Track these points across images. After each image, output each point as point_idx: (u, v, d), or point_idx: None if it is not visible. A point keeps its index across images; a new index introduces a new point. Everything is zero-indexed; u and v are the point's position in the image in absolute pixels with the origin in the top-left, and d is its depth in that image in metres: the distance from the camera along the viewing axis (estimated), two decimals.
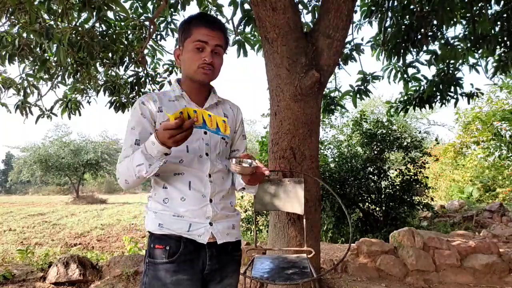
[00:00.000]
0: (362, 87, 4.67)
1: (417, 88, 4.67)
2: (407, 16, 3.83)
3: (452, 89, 4.40)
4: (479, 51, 4.14)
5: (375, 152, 6.07)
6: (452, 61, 4.21)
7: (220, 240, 1.27)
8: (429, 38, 3.89)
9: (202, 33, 1.25)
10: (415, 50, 4.09)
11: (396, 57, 4.05)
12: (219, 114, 1.37)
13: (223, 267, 1.31)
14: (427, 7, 3.50)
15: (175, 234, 1.22)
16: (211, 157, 1.30)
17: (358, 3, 4.12)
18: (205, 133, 1.31)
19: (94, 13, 3.15)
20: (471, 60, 4.40)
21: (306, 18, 6.93)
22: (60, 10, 3.11)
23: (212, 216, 1.26)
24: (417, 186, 5.95)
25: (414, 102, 4.71)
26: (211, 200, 1.27)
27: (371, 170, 6.07)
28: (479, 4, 3.66)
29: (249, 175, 1.24)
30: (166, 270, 1.20)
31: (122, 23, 4.12)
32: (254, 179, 1.26)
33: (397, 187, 5.98)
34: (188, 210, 1.24)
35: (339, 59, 3.93)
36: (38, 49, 3.65)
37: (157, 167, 1.14)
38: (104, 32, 3.73)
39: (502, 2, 3.70)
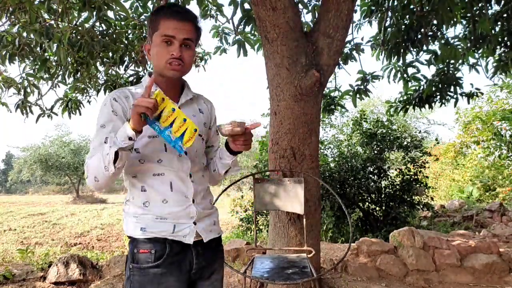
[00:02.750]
0: (362, 87, 4.67)
1: (417, 87, 4.67)
2: (407, 16, 3.83)
3: (452, 88, 4.40)
4: (479, 51, 4.14)
5: (375, 151, 6.07)
6: (452, 61, 4.21)
7: (206, 238, 1.27)
8: (429, 38, 3.89)
9: (170, 26, 1.18)
10: (415, 49, 4.09)
11: (396, 56, 4.05)
12: (194, 110, 1.34)
13: (210, 263, 1.31)
14: (427, 7, 3.50)
15: (159, 237, 1.19)
16: (191, 155, 1.27)
17: (358, 2, 4.11)
18: None
19: (94, 13, 3.14)
20: (471, 60, 4.40)
21: (306, 18, 6.93)
22: (60, 10, 3.11)
23: (196, 216, 1.25)
24: (417, 185, 5.95)
25: (413, 102, 4.71)
26: (193, 201, 1.26)
27: (371, 169, 6.07)
28: (479, 4, 3.66)
29: (241, 137, 1.22)
30: (154, 274, 1.17)
31: (122, 23, 4.12)
32: (246, 140, 1.24)
33: (397, 187, 5.98)
34: (171, 213, 1.21)
35: (339, 59, 3.93)
36: (38, 49, 3.65)
37: (115, 149, 1.05)
38: (104, 32, 3.73)
39: (502, 2, 3.70)
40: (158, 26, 1.19)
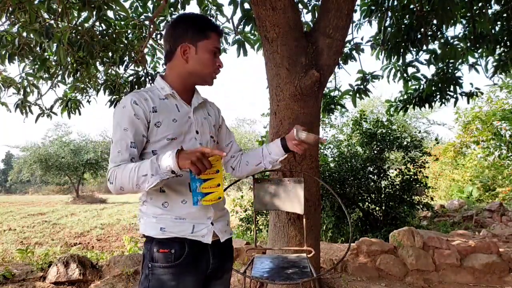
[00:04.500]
0: (362, 87, 4.67)
1: (417, 87, 4.67)
2: (407, 16, 3.83)
3: (452, 88, 4.40)
4: (479, 51, 4.14)
5: (375, 151, 6.07)
6: (451, 61, 4.21)
7: (222, 238, 1.31)
8: (429, 38, 3.89)
9: (218, 39, 1.30)
10: (414, 49, 4.09)
11: (395, 56, 4.05)
12: (204, 114, 1.39)
13: (224, 263, 1.36)
14: (427, 7, 3.50)
15: (179, 236, 1.21)
16: None
17: (358, 2, 4.12)
18: (197, 132, 1.32)
19: (94, 13, 3.14)
20: (471, 60, 4.40)
21: (306, 17, 6.92)
22: (60, 10, 3.10)
23: (213, 216, 1.28)
24: (417, 185, 5.95)
25: (413, 101, 4.71)
26: None
27: (371, 169, 6.07)
28: (479, 4, 3.66)
29: (307, 145, 1.38)
30: (173, 273, 1.20)
31: (122, 23, 4.12)
32: (306, 149, 1.41)
33: (397, 187, 5.98)
34: (190, 213, 1.24)
35: (339, 59, 3.92)
36: (38, 48, 3.65)
37: (157, 180, 1.11)
38: (104, 32, 3.73)
39: (502, 2, 3.70)
40: (208, 35, 1.27)
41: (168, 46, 1.31)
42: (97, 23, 3.59)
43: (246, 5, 3.82)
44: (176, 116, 1.26)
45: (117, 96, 4.72)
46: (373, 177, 6.02)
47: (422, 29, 3.77)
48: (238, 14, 3.83)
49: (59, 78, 4.25)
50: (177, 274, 1.20)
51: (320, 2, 3.34)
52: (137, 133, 1.20)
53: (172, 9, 4.27)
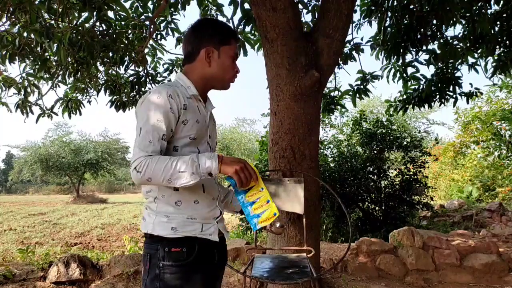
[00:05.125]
0: (362, 87, 4.68)
1: (416, 87, 4.68)
2: (407, 16, 3.83)
3: (451, 88, 4.41)
4: (479, 51, 4.14)
5: (375, 151, 6.08)
6: (451, 61, 4.21)
7: (226, 237, 1.36)
8: (429, 38, 3.90)
9: (237, 46, 1.36)
10: (414, 49, 4.10)
11: (395, 56, 4.06)
12: (213, 120, 1.43)
13: (223, 261, 1.40)
14: (426, 7, 3.50)
15: (190, 236, 1.23)
16: None
17: (357, 2, 4.12)
18: (209, 136, 1.36)
19: (95, 13, 3.15)
20: (470, 60, 4.41)
21: (306, 18, 6.92)
22: (60, 10, 3.11)
23: (219, 217, 1.33)
24: (417, 185, 5.95)
25: (413, 101, 4.71)
26: (218, 203, 1.34)
27: (371, 169, 6.07)
28: (479, 4, 3.66)
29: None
30: (185, 271, 1.22)
31: (123, 23, 4.12)
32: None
33: (397, 187, 5.98)
34: (201, 213, 1.26)
35: (339, 59, 3.93)
36: (38, 49, 3.65)
37: (197, 180, 1.14)
38: (105, 32, 3.74)
39: (501, 2, 3.71)
40: (230, 41, 1.32)
41: (190, 48, 1.33)
42: (98, 23, 3.59)
43: (246, 5, 3.83)
44: (198, 118, 1.28)
45: (118, 96, 4.73)
46: (373, 177, 6.02)
47: (422, 29, 3.77)
48: (238, 14, 3.84)
49: (60, 78, 4.26)
50: (189, 272, 1.23)
51: (320, 2, 3.35)
52: (169, 126, 1.20)
53: (172, 9, 4.27)
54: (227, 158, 1.17)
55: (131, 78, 4.69)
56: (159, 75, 5.16)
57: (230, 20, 4.28)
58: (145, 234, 1.28)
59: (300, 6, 4.13)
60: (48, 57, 3.87)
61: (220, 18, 4.54)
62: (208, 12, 4.40)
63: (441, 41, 3.95)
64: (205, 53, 1.29)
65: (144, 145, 1.16)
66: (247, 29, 4.24)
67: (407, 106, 4.86)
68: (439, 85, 4.37)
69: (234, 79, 1.36)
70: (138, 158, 1.14)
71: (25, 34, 3.39)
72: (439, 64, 4.28)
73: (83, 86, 4.68)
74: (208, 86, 1.35)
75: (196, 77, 1.32)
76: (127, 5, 3.97)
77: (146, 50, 4.57)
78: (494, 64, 4.19)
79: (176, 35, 4.82)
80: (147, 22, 4.17)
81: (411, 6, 3.69)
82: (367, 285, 3.50)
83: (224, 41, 1.31)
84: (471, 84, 4.69)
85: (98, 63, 4.09)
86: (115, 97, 4.72)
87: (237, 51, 1.35)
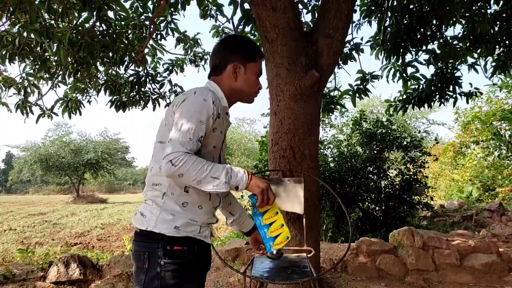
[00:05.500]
0: (361, 87, 4.68)
1: (416, 87, 4.68)
2: (407, 16, 3.83)
3: (451, 88, 4.41)
4: (478, 51, 4.14)
5: (375, 151, 6.08)
6: (451, 61, 4.21)
7: (213, 240, 1.41)
8: (428, 38, 3.90)
9: (261, 64, 1.45)
10: (414, 49, 4.09)
11: (395, 56, 4.06)
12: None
13: (209, 263, 1.49)
14: (426, 7, 3.50)
15: (190, 236, 1.27)
16: None
17: (357, 2, 4.12)
18: (221, 149, 1.40)
19: (95, 13, 3.15)
20: (470, 60, 4.41)
21: (306, 18, 6.93)
22: (60, 10, 3.11)
23: (214, 224, 1.41)
24: (417, 185, 5.95)
25: (413, 101, 4.71)
26: (215, 210, 1.42)
27: (371, 169, 6.07)
28: (479, 4, 3.66)
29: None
30: (185, 269, 1.26)
31: (123, 23, 4.12)
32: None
33: (397, 187, 5.98)
34: (201, 218, 1.31)
35: (339, 59, 3.93)
36: (38, 49, 3.65)
37: (226, 190, 1.20)
38: (105, 32, 3.73)
39: (501, 2, 3.71)
40: (255, 59, 1.41)
41: (218, 61, 1.39)
42: (98, 24, 3.59)
43: (246, 5, 3.83)
44: (222, 129, 1.35)
45: (118, 96, 4.73)
46: (373, 177, 6.02)
47: (422, 29, 3.77)
48: (238, 14, 3.84)
49: (60, 78, 4.26)
50: (189, 271, 1.27)
51: (320, 2, 3.35)
52: (207, 131, 1.25)
53: (172, 9, 4.27)
54: (256, 177, 1.25)
55: (131, 78, 4.69)
56: (159, 75, 5.16)
57: (230, 20, 4.28)
58: (141, 231, 1.28)
59: (300, 6, 4.13)
60: (48, 57, 3.87)
61: (220, 18, 4.55)
62: (208, 12, 4.40)
63: (441, 41, 3.94)
64: (233, 68, 1.36)
65: (185, 141, 1.17)
66: (247, 29, 4.24)
67: (407, 106, 4.86)
68: (439, 85, 4.37)
69: (257, 94, 1.45)
70: (177, 151, 1.15)
71: (25, 34, 3.38)
72: (439, 64, 4.28)
73: (83, 86, 4.68)
74: (234, 99, 1.42)
75: (228, 90, 1.38)
76: (127, 5, 3.97)
77: (146, 50, 4.57)
78: (493, 64, 4.19)
79: (176, 35, 4.82)
80: (147, 22, 4.17)
81: (411, 6, 3.68)
82: (367, 285, 3.50)
83: (250, 58, 1.39)
84: (471, 84, 4.69)
85: (98, 63, 4.08)
86: (115, 97, 4.72)
87: (261, 68, 1.43)
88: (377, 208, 6.05)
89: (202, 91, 1.25)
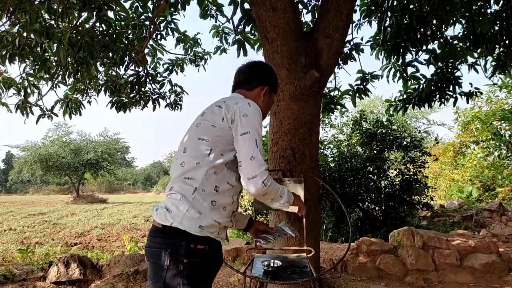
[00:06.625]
0: (362, 86, 4.67)
1: (416, 87, 4.68)
2: (407, 16, 3.83)
3: (451, 88, 4.41)
4: (478, 51, 4.14)
5: (375, 151, 6.07)
6: (451, 61, 4.21)
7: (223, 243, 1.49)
8: (429, 38, 3.90)
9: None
10: (414, 49, 4.09)
11: (395, 56, 4.06)
12: None
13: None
14: (426, 7, 3.50)
15: (210, 236, 1.31)
16: None
17: (357, 2, 4.12)
18: None
19: (94, 13, 3.14)
20: (470, 60, 4.40)
21: (306, 18, 6.94)
22: (60, 10, 3.11)
23: (230, 227, 1.50)
24: (417, 185, 5.95)
25: (413, 101, 4.71)
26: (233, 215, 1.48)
27: (371, 169, 6.07)
28: (479, 4, 3.66)
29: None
30: (205, 269, 1.31)
31: (123, 23, 4.12)
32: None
33: (397, 187, 5.98)
34: (224, 219, 1.37)
35: (339, 59, 3.93)
36: (38, 49, 3.65)
37: (284, 208, 1.43)
38: (105, 32, 3.73)
39: (501, 2, 3.71)
40: (276, 91, 1.69)
41: (251, 77, 1.58)
42: (98, 24, 3.59)
43: (246, 5, 3.83)
44: None
45: (118, 97, 4.73)
46: (373, 177, 6.02)
47: (422, 29, 3.77)
48: (238, 14, 3.84)
49: (60, 78, 4.25)
50: (208, 270, 1.33)
51: (320, 3, 3.35)
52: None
53: (172, 9, 4.27)
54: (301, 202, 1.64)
55: (131, 78, 4.69)
56: (159, 75, 5.16)
57: (230, 20, 4.28)
58: (163, 227, 1.28)
59: (300, 6, 4.13)
60: (48, 57, 3.86)
61: (220, 18, 4.55)
62: (208, 12, 4.40)
63: (441, 41, 3.94)
64: (262, 90, 1.57)
65: (262, 157, 1.31)
66: (247, 29, 4.25)
67: (407, 106, 4.85)
68: (439, 84, 4.37)
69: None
70: (264, 171, 1.29)
71: (25, 34, 3.38)
72: (439, 64, 4.28)
73: (83, 86, 4.68)
74: None
75: None
76: (127, 5, 3.97)
77: (146, 50, 4.57)
78: (493, 63, 4.19)
79: (176, 35, 4.82)
80: (147, 22, 4.18)
81: (411, 6, 3.69)
82: (367, 285, 3.50)
83: (275, 89, 1.66)
84: (471, 84, 4.69)
85: (98, 63, 4.08)
86: (115, 97, 4.72)
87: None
88: (377, 208, 6.05)
89: (254, 104, 1.40)
